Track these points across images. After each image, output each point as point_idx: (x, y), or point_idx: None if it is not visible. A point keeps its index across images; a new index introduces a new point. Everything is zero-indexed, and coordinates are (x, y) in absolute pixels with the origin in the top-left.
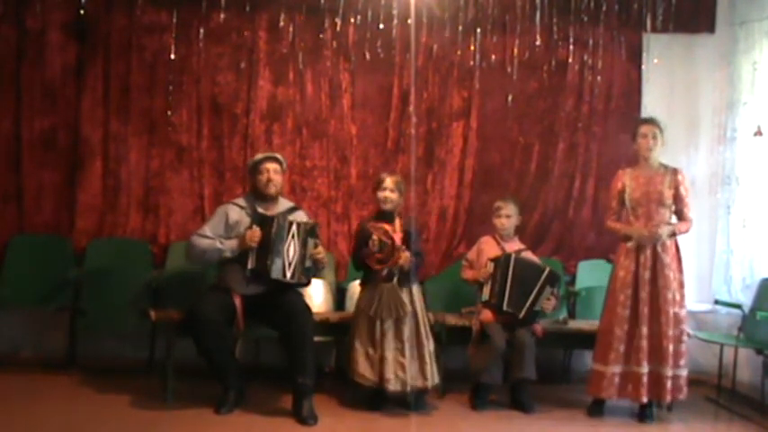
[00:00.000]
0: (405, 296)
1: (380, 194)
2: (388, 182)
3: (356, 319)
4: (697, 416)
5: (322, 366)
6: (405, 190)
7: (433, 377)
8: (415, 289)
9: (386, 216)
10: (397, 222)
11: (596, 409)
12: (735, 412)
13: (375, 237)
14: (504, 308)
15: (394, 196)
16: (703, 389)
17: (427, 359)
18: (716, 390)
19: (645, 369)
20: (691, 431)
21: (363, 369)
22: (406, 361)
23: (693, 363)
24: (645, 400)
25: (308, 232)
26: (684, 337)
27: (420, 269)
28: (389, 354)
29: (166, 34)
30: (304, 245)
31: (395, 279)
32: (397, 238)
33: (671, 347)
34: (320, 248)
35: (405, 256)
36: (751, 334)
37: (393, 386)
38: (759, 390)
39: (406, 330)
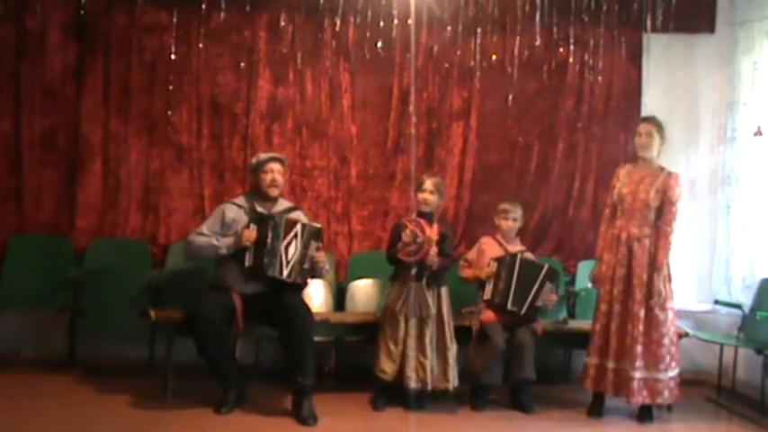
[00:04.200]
0: (431, 297)
1: (420, 196)
2: (428, 183)
3: (384, 316)
4: (697, 416)
5: (322, 366)
6: (445, 192)
7: (454, 380)
8: (443, 291)
9: (425, 217)
10: (436, 224)
11: (596, 409)
12: (735, 412)
13: (409, 229)
14: (509, 306)
15: (433, 198)
16: (703, 389)
17: (450, 362)
18: (716, 390)
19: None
20: (691, 431)
21: (384, 364)
22: (427, 362)
23: (693, 363)
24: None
25: (312, 235)
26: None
27: (448, 272)
28: (411, 352)
29: (166, 34)
30: (306, 246)
31: (424, 279)
32: (431, 233)
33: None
34: (321, 253)
35: (434, 252)
36: (751, 334)
37: (414, 384)
38: (759, 390)
39: (429, 331)
